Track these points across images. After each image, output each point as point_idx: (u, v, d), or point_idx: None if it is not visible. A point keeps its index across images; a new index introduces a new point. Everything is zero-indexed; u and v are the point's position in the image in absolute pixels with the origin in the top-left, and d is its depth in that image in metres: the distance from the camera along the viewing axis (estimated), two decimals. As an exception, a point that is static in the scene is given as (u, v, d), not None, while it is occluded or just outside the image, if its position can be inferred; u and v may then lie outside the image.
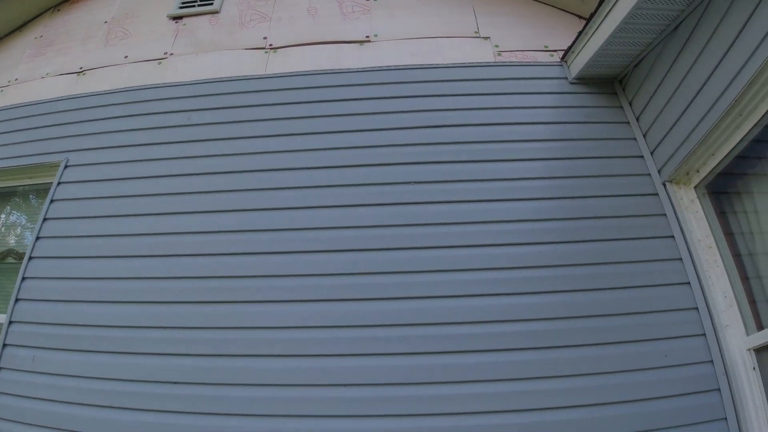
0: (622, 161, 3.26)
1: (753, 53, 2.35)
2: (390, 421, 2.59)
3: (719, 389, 2.65)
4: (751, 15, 2.34)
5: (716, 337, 2.73)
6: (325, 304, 2.89)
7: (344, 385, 2.68)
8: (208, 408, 2.68)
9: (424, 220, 3.08)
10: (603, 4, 3.05)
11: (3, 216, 3.89)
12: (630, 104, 3.41)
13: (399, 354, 2.73)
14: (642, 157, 3.27)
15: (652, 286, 2.90)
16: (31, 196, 3.90)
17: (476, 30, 3.83)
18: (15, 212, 3.94)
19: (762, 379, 2.55)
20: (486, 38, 3.78)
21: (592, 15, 3.17)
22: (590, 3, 3.57)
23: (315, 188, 3.23)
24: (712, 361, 2.72)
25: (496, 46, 3.75)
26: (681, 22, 2.84)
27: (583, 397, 2.60)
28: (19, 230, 3.89)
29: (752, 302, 2.71)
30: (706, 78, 2.69)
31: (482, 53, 3.68)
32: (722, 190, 2.96)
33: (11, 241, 3.80)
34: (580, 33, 3.38)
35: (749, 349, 2.61)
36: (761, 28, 2.28)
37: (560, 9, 3.88)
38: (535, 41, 3.76)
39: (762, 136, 2.59)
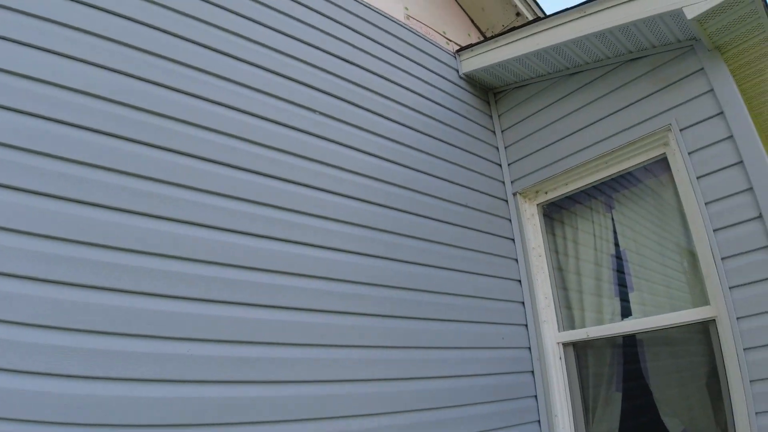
0: (484, 162, 3.57)
1: (627, 129, 2.98)
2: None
3: (533, 371, 3.13)
4: (641, 99, 2.96)
5: (536, 328, 3.22)
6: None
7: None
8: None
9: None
10: (510, 33, 3.36)
11: None
12: (499, 117, 3.81)
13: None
14: (500, 166, 3.67)
15: (494, 276, 3.24)
16: None
17: (394, -18, 3.66)
18: None
19: (565, 368, 3.12)
20: (401, -5, 3.64)
21: (496, 36, 3.45)
22: (489, 15, 3.87)
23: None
24: (530, 348, 3.19)
25: (407, 8, 3.66)
26: (578, 72, 3.35)
27: (440, 369, 2.71)
28: None
29: (564, 307, 3.32)
30: (583, 127, 3.22)
31: (393, 8, 3.53)
32: (554, 215, 3.57)
33: None
34: (480, 42, 3.62)
35: (558, 343, 3.19)
36: (639, 113, 2.92)
37: (462, 7, 4.07)
38: (438, 23, 3.83)
39: (595, 186, 3.28)
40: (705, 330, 2.59)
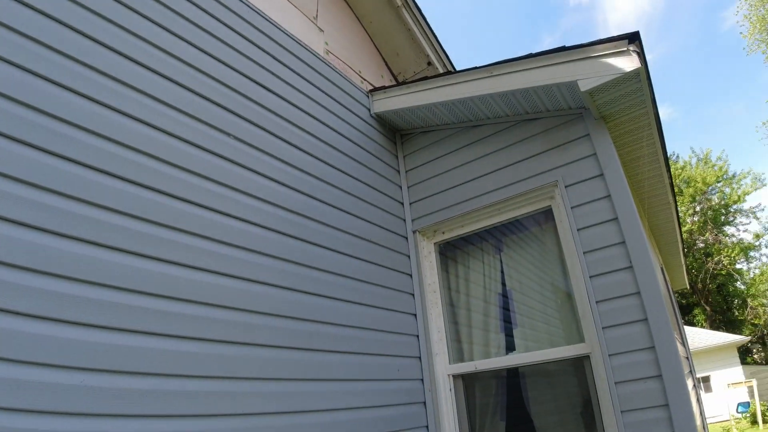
0: (387, 199, 3.71)
1: (519, 182, 3.34)
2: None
3: (425, 402, 3.25)
4: (533, 156, 3.35)
5: (429, 361, 3.36)
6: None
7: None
8: None
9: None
10: (422, 82, 3.62)
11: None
12: (404, 157, 4.00)
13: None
14: (402, 204, 3.84)
15: (392, 310, 3.35)
16: None
17: (315, 16, 3.72)
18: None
19: (454, 398, 3.28)
20: (321, 30, 3.72)
21: (408, 83, 3.70)
22: (402, 61, 4.11)
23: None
24: (422, 380, 3.31)
25: (326, 43, 3.74)
26: (480, 125, 3.68)
27: (338, 401, 2.70)
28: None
29: (454, 340, 3.52)
30: (480, 176, 3.53)
31: (313, 41, 3.59)
32: (449, 253, 3.81)
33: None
34: (393, 86, 3.83)
35: (449, 375, 3.35)
36: (531, 168, 3.30)
37: (377, 49, 4.25)
38: (355, 61, 3.96)
39: (487, 230, 3.59)
40: (580, 365, 2.92)
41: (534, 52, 3.12)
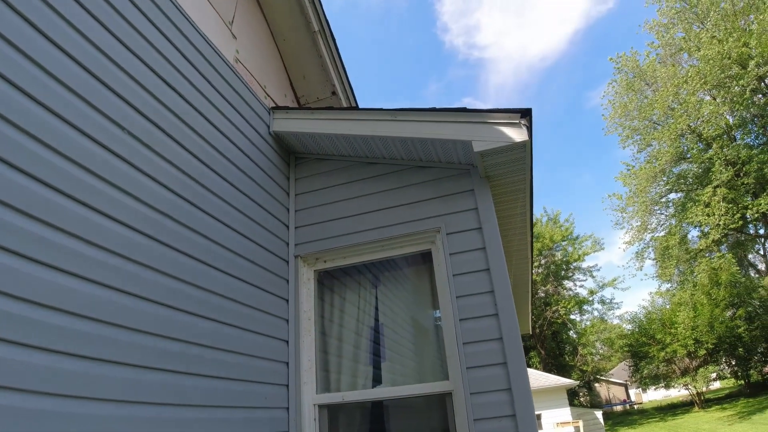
0: (274, 220, 3.66)
1: (405, 223, 3.53)
2: None
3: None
4: (421, 201, 3.57)
5: (296, 390, 3.33)
6: None
7: None
8: None
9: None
10: (327, 110, 3.72)
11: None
12: (296, 181, 3.99)
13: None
14: (288, 227, 3.81)
15: (265, 335, 3.28)
16: None
17: (231, 21, 3.62)
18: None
19: (319, 429, 3.28)
20: (234, 37, 3.62)
21: (312, 108, 3.78)
22: (308, 85, 4.15)
23: None
24: (288, 408, 3.27)
25: (237, 51, 3.64)
26: (375, 164, 3.81)
27: (200, 429, 2.58)
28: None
29: (323, 370, 3.53)
30: (369, 211, 3.65)
31: (225, 46, 3.48)
32: (327, 283, 3.84)
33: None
34: (297, 108, 3.86)
35: (315, 404, 3.35)
36: (417, 212, 3.53)
37: (285, 68, 4.23)
38: (262, 75, 3.89)
39: (367, 264, 3.72)
40: (443, 401, 3.11)
41: (438, 107, 3.36)
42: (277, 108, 3.90)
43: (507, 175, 3.43)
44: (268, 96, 4.01)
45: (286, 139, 3.90)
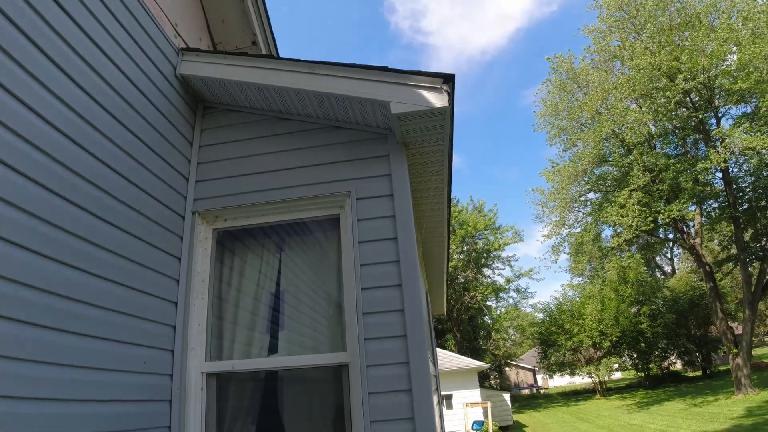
0: (171, 171, 3.33)
1: (314, 184, 3.31)
2: None
3: (170, 401, 2.95)
4: (332, 163, 3.37)
5: (182, 356, 3.07)
6: None
7: None
8: None
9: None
10: (243, 56, 3.40)
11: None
12: (201, 131, 3.66)
13: None
14: (187, 180, 3.49)
15: (149, 294, 2.98)
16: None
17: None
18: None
19: (205, 399, 3.05)
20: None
21: (228, 53, 3.45)
22: (227, 30, 3.81)
23: None
24: (171, 375, 3.00)
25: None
26: (288, 120, 3.56)
27: (70, 391, 2.30)
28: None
29: (215, 336, 3.28)
30: (277, 169, 3.40)
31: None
32: (227, 243, 3.57)
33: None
34: (209, 51, 3.51)
35: (203, 372, 3.11)
36: (328, 174, 3.32)
37: (203, 9, 3.86)
38: (174, 12, 3.53)
39: (272, 226, 3.49)
40: (339, 374, 2.95)
41: (359, 63, 3.15)
42: (187, 49, 3.54)
43: (425, 143, 3.30)
44: (179, 35, 3.62)
45: (195, 85, 3.56)
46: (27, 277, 2.10)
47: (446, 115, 3.01)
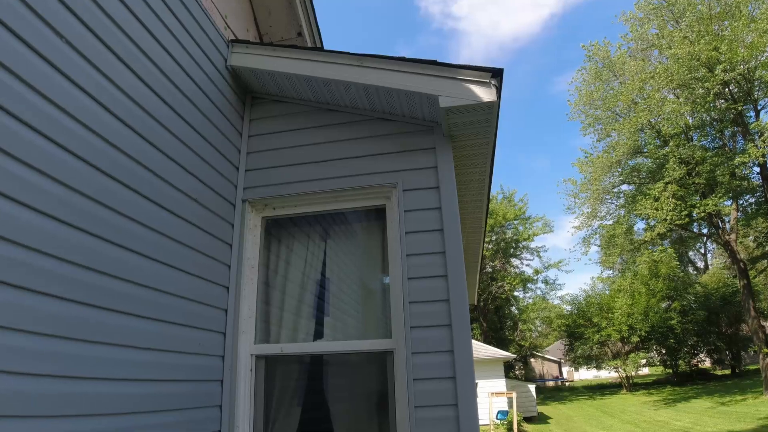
0: (224, 161, 3.45)
1: (361, 175, 3.38)
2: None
3: (222, 381, 3.09)
4: (379, 154, 3.43)
5: (234, 338, 3.20)
6: None
7: None
8: None
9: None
10: (291, 49, 3.47)
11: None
12: (250, 122, 3.76)
13: None
14: (238, 169, 3.60)
15: (204, 279, 3.11)
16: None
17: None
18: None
19: (254, 380, 3.18)
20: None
21: (276, 45, 3.51)
22: (273, 22, 3.89)
23: None
24: (223, 357, 3.14)
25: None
26: (336, 111, 3.63)
27: (130, 371, 2.42)
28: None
29: (263, 321, 3.41)
30: (325, 160, 3.47)
31: None
32: (275, 231, 3.68)
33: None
34: (259, 44, 3.61)
35: (252, 355, 3.24)
36: (375, 165, 3.38)
37: (251, 1, 3.94)
38: (224, 5, 3.62)
39: (319, 215, 3.58)
40: (383, 359, 3.04)
41: (407, 56, 3.19)
42: (236, 41, 3.63)
43: (470, 137, 3.33)
44: (228, 27, 3.73)
45: (244, 76, 3.65)
46: (86, 259, 2.20)
47: (494, 109, 3.03)
